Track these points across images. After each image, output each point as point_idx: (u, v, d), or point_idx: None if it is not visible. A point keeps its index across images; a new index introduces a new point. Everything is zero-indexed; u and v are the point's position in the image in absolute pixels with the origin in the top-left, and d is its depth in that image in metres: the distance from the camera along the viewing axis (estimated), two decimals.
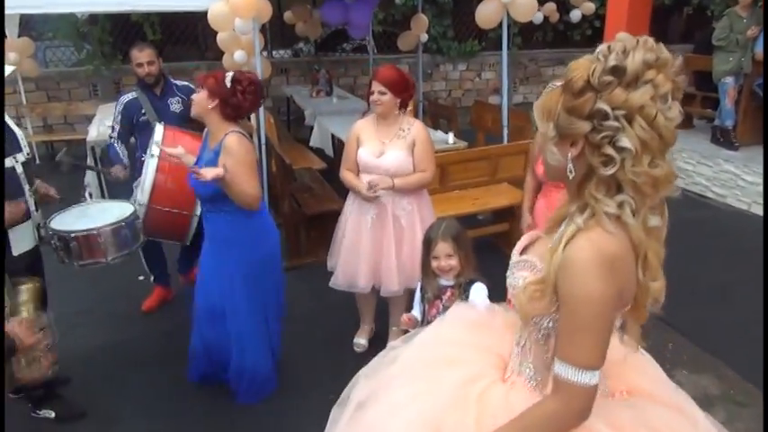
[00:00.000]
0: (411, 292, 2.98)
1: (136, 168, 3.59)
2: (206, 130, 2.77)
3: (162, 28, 8.55)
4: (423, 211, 3.12)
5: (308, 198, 4.54)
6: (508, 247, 4.57)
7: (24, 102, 7.62)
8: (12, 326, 1.90)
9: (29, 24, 7.68)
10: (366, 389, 1.61)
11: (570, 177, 1.21)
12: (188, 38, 9.31)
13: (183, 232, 3.32)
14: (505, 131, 5.14)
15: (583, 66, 1.14)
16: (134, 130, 3.67)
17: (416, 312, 2.50)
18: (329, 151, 6.07)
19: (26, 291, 2.30)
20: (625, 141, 1.11)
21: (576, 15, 10.02)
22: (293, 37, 9.46)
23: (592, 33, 10.51)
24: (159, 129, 3.26)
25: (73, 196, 3.86)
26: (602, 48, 1.14)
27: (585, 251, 1.16)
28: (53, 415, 2.80)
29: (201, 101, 2.59)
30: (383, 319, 3.46)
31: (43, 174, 7.13)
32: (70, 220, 2.67)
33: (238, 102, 2.57)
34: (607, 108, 1.11)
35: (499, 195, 4.46)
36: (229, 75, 2.58)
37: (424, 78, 8.41)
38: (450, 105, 8.42)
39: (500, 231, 4.57)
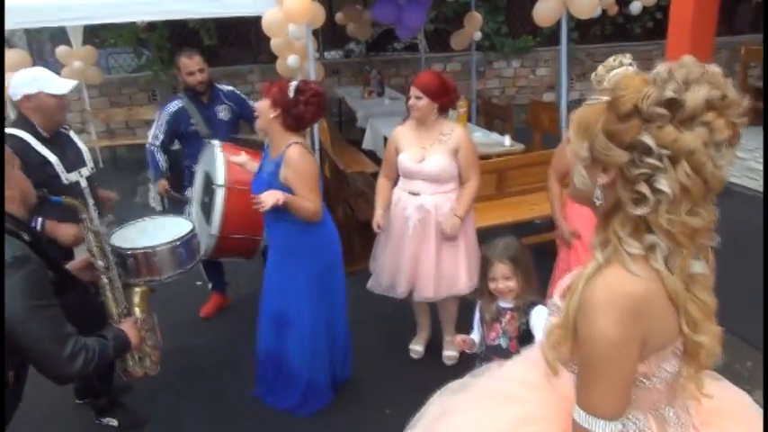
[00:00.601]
0: (467, 304, 2.89)
1: (185, 177, 3.58)
2: (266, 140, 2.76)
3: (217, 33, 8.72)
4: (466, 220, 3.05)
5: (361, 203, 4.51)
6: None
7: (88, 108, 7.92)
8: (126, 326, 2.06)
9: (93, 32, 7.96)
10: (438, 410, 1.58)
11: (596, 204, 1.08)
12: (242, 41, 9.46)
13: (252, 252, 3.34)
14: (564, 133, 4.96)
15: (634, 86, 1.00)
16: (180, 140, 3.62)
17: (476, 335, 2.41)
18: (381, 154, 6.00)
19: (138, 293, 2.43)
20: (663, 184, 0.98)
21: (636, 7, 9.55)
22: (344, 37, 9.46)
23: (653, 26, 10.08)
24: (219, 154, 3.17)
25: (132, 195, 3.93)
26: (661, 70, 1.00)
27: (601, 291, 1.04)
28: (116, 423, 2.86)
29: (264, 110, 2.58)
30: (440, 326, 3.39)
31: (106, 177, 7.39)
32: (130, 237, 2.72)
33: (300, 112, 2.55)
34: (651, 143, 0.97)
35: None
36: (293, 84, 2.56)
37: (477, 76, 8.24)
38: (505, 105, 8.22)
39: None
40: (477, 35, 7.35)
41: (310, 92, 2.56)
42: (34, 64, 7.43)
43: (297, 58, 4.94)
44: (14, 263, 1.57)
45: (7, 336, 1.56)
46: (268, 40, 4.88)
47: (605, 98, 1.05)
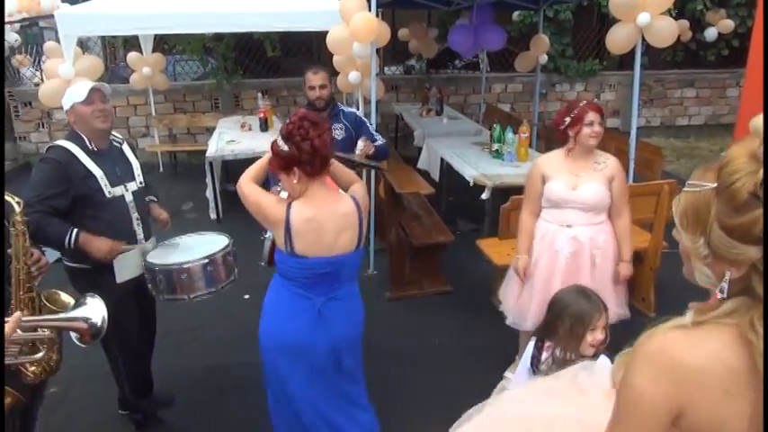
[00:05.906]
0: None
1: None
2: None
3: (280, 44, 8.84)
4: (614, 244, 2.86)
5: (415, 227, 4.39)
6: (630, 294, 4.19)
7: (153, 113, 8.15)
8: (10, 320, 1.58)
9: (162, 39, 8.21)
10: None
11: (719, 297, 0.92)
12: (304, 52, 9.56)
13: None
14: (632, 165, 4.72)
15: (742, 167, 0.85)
16: None
17: (520, 374, 2.26)
18: (436, 175, 5.90)
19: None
20: None
21: (711, 34, 9.22)
22: (405, 53, 9.44)
23: (729, 54, 9.62)
24: None
25: (184, 202, 3.90)
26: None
27: (651, 344, 0.94)
28: None
29: (290, 188, 2.14)
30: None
31: (164, 181, 7.50)
32: (167, 252, 2.64)
33: (307, 151, 2.02)
34: None
35: None
36: (278, 139, 2.09)
37: (539, 99, 8.03)
38: None
39: None
40: (543, 58, 7.16)
41: (297, 126, 2.03)
42: (107, 69, 7.74)
43: (358, 74, 4.91)
44: None
45: None
46: (329, 51, 4.87)
47: (711, 185, 0.90)
